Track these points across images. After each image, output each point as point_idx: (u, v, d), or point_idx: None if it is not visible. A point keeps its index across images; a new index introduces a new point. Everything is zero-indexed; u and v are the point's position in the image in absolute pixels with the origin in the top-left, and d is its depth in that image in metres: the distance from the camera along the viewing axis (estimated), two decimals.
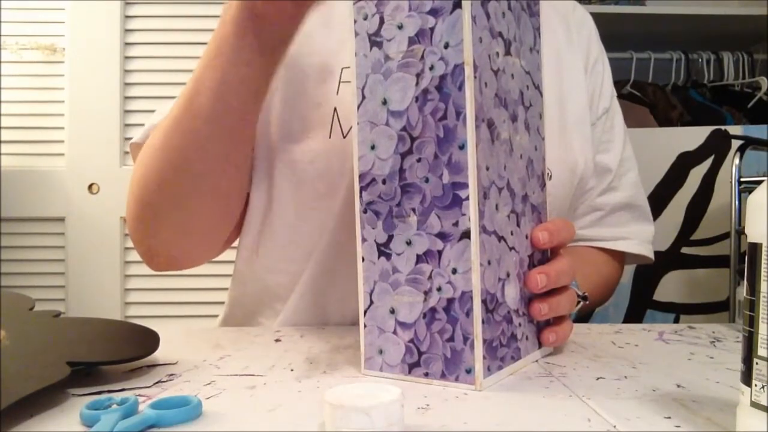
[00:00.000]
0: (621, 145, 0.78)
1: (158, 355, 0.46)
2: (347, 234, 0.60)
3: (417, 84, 0.41)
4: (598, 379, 0.42)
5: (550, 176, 0.66)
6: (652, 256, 0.78)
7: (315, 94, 0.62)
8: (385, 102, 0.42)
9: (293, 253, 0.64)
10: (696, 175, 1.48)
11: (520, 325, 0.44)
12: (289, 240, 0.64)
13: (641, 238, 0.77)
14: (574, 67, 0.74)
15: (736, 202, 1.27)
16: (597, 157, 0.75)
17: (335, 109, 0.61)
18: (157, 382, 0.42)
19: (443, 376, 0.40)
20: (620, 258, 0.79)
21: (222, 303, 0.74)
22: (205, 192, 0.58)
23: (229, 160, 0.58)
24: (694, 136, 1.49)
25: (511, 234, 0.43)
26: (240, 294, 0.71)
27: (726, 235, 1.39)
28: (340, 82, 0.62)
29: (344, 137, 0.61)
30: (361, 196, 0.44)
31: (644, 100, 1.66)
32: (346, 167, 0.60)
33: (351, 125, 0.59)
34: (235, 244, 0.70)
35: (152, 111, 0.70)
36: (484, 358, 0.39)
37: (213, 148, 0.55)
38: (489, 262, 0.40)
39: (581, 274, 0.60)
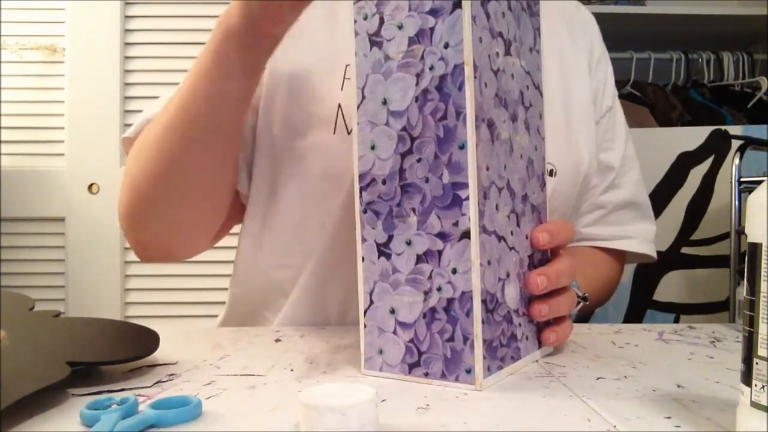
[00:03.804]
0: (623, 143, 0.78)
1: (158, 355, 0.46)
2: (349, 229, 0.60)
3: (417, 84, 0.41)
4: (598, 379, 0.42)
5: (555, 173, 0.67)
6: (654, 254, 0.78)
7: (319, 90, 0.63)
8: (385, 102, 0.42)
9: (298, 247, 0.65)
10: (696, 175, 1.48)
11: (520, 325, 0.44)
12: (294, 234, 0.65)
13: (643, 237, 0.77)
14: (577, 65, 0.74)
15: (736, 202, 1.27)
16: (600, 156, 0.75)
17: (339, 105, 0.62)
18: (157, 382, 0.42)
19: (443, 376, 0.40)
20: (621, 257, 0.79)
21: (222, 303, 0.74)
22: (196, 189, 0.61)
23: (219, 160, 0.61)
24: (694, 136, 1.49)
25: (511, 234, 0.43)
26: (244, 291, 0.71)
27: (726, 235, 1.38)
28: (344, 78, 0.63)
29: (348, 133, 0.61)
30: (361, 196, 0.44)
31: (644, 100, 1.66)
32: (350, 163, 0.61)
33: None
34: (234, 242, 0.70)
35: None
36: (484, 358, 0.39)
37: (205, 150, 0.59)
38: (489, 262, 0.40)
39: (582, 274, 0.61)
